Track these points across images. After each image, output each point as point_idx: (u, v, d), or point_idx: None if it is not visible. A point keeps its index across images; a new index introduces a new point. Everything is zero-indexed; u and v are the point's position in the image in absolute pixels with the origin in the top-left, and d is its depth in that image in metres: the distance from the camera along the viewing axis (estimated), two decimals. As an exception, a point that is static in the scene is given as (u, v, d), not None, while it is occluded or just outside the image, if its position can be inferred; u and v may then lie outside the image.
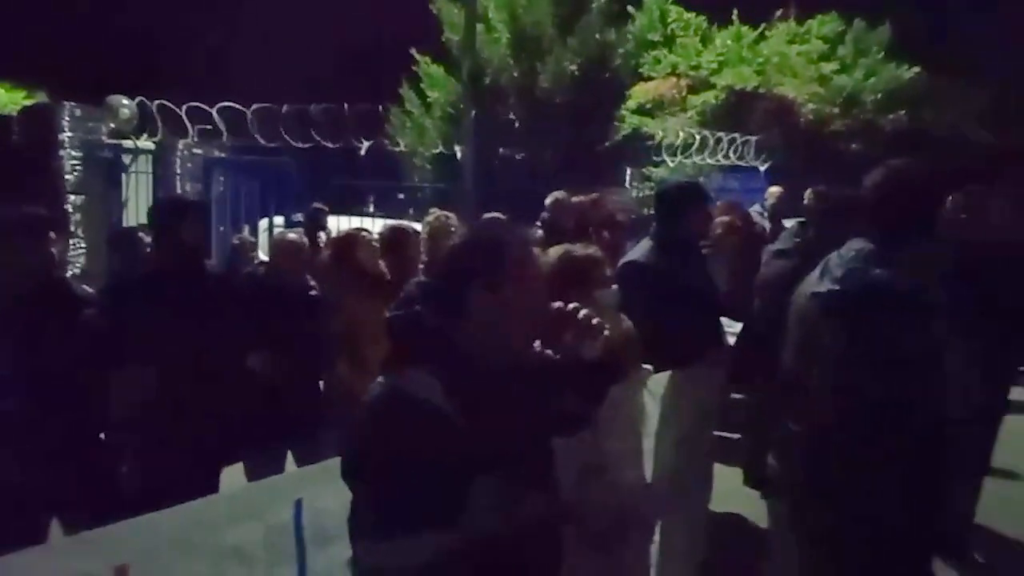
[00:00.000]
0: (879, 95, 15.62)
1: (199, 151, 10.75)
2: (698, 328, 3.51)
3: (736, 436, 5.03)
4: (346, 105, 10.83)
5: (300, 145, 10.53)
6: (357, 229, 4.57)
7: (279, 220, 10.67)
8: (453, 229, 5.02)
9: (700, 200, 3.93)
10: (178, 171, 10.48)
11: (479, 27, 13.54)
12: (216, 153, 11.03)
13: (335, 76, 17.31)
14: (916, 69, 15.64)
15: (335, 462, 2.24)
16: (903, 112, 15.58)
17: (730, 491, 4.46)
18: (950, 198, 3.96)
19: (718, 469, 4.06)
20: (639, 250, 3.89)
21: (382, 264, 4.27)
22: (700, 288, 3.77)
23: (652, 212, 4.09)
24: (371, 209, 13.88)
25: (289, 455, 4.11)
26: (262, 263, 5.24)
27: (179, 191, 10.11)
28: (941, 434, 2.39)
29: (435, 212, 4.93)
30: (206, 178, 10.80)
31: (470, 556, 1.66)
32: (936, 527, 2.59)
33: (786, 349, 2.70)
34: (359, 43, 18.56)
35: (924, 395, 2.36)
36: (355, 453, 1.76)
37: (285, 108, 10.42)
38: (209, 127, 10.32)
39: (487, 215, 5.40)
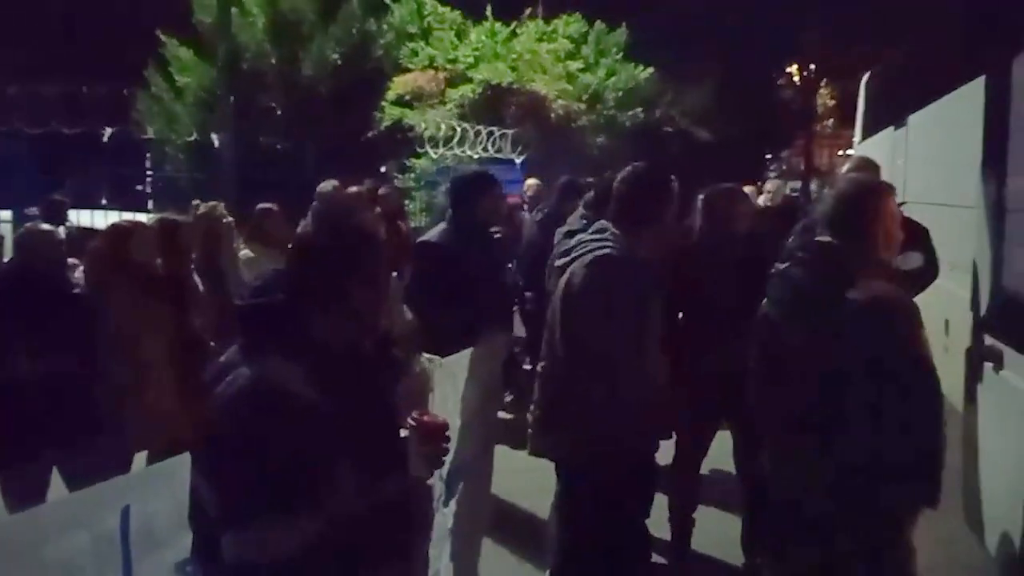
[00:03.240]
0: (619, 93, 17.01)
1: None
2: (485, 305, 3.89)
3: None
4: (85, 87, 10.04)
5: (33, 131, 9.61)
6: (130, 221, 4.38)
7: (6, 214, 9.62)
8: (225, 221, 4.95)
9: (491, 188, 4.34)
10: None
11: (233, 10, 13.01)
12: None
13: (71, 55, 15.77)
14: (650, 70, 17.23)
15: (163, 465, 2.21)
16: (639, 109, 17.11)
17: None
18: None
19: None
20: (435, 232, 4.30)
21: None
22: (489, 268, 4.20)
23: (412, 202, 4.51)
24: (104, 202, 12.69)
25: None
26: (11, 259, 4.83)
27: None
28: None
29: (209, 204, 4.83)
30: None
31: (332, 541, 1.72)
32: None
33: None
34: (97, 20, 16.98)
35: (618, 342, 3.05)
36: (220, 444, 1.74)
37: (13, 89, 9.46)
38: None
39: (260, 206, 5.37)
